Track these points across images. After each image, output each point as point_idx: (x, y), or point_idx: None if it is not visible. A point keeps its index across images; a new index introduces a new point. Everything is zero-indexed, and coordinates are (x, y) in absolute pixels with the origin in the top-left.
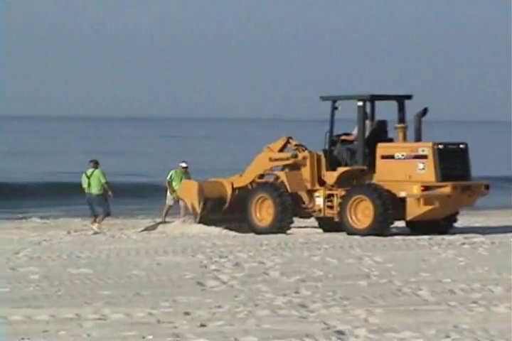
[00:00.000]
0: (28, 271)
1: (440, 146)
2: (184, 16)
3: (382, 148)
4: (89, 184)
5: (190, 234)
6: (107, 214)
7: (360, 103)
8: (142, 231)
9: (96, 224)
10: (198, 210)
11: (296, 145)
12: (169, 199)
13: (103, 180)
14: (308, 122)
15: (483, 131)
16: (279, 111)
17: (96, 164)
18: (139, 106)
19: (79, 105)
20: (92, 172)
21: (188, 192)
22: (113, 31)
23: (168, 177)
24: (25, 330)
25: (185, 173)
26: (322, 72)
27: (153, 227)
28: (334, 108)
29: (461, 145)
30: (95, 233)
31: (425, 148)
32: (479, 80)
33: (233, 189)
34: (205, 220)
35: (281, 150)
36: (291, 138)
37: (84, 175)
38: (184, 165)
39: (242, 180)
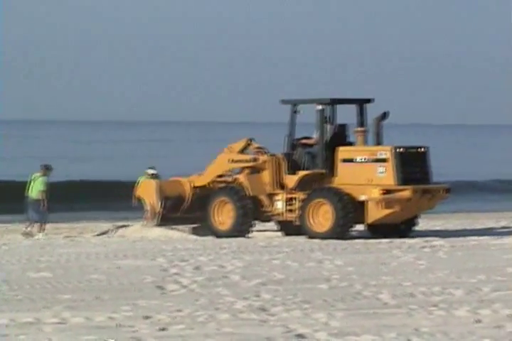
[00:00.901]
0: None
1: (400, 150)
2: (144, 17)
3: (342, 152)
4: (31, 188)
5: (150, 238)
6: (45, 222)
7: (320, 107)
8: (99, 234)
9: (40, 234)
10: (157, 209)
11: (257, 147)
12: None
13: (41, 188)
14: (269, 125)
15: (444, 135)
16: (241, 114)
17: (46, 170)
18: (106, 109)
19: (53, 109)
20: (37, 177)
21: (147, 191)
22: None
23: (137, 184)
24: None
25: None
26: (283, 75)
27: (112, 231)
28: (294, 111)
29: (422, 149)
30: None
31: (385, 152)
32: (440, 83)
33: (192, 188)
34: (164, 219)
35: (242, 151)
36: (252, 139)
37: (31, 177)
38: (151, 171)
39: (201, 180)
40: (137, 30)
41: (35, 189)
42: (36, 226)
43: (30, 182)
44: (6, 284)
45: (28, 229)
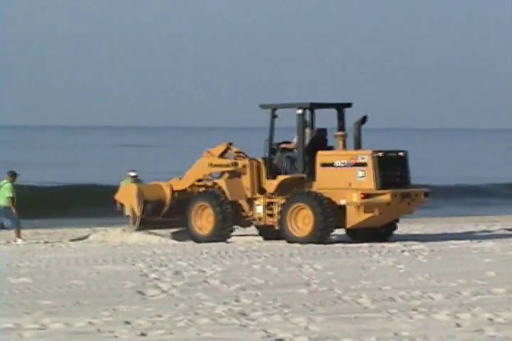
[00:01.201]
0: None
1: (380, 154)
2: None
3: (322, 156)
4: None
5: (130, 243)
6: (19, 227)
7: (300, 111)
8: (78, 240)
9: (19, 240)
10: (138, 213)
11: (236, 152)
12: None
13: (8, 194)
14: (248, 130)
15: (424, 139)
16: (220, 119)
17: (12, 176)
18: (94, 114)
19: (35, 114)
20: (3, 185)
21: (127, 195)
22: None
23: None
24: None
25: (137, 182)
26: (263, 79)
27: (87, 237)
28: (274, 116)
29: (401, 153)
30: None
31: (365, 156)
32: (420, 88)
33: (172, 192)
34: (144, 223)
35: (222, 155)
36: (231, 144)
37: None
38: (133, 174)
39: (181, 184)
40: (137, 30)
41: (3, 196)
42: (14, 232)
43: None
44: None
45: (20, 240)
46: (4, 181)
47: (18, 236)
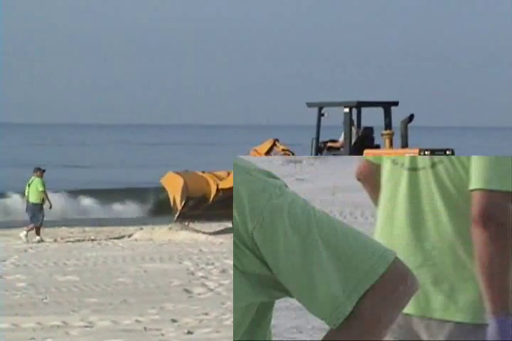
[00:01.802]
0: (15, 278)
1: (426, 152)
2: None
3: (368, 155)
4: (28, 192)
5: (176, 241)
6: (39, 225)
7: (347, 109)
8: (121, 238)
9: (24, 232)
10: (179, 207)
11: (283, 149)
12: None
13: (40, 188)
14: (295, 128)
15: (469, 137)
16: (267, 117)
17: (38, 172)
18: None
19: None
20: (32, 181)
21: (172, 185)
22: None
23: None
24: (12, 338)
25: None
26: (309, 77)
27: (133, 234)
28: (321, 114)
29: (448, 152)
30: (39, 241)
31: (412, 155)
32: (466, 86)
33: (218, 190)
34: (182, 216)
35: (268, 152)
36: (277, 140)
37: (27, 183)
38: None
39: (228, 182)
40: (137, 30)
41: (32, 193)
42: (30, 226)
43: (27, 187)
44: (32, 287)
45: (39, 236)
46: (32, 178)
47: (29, 230)
